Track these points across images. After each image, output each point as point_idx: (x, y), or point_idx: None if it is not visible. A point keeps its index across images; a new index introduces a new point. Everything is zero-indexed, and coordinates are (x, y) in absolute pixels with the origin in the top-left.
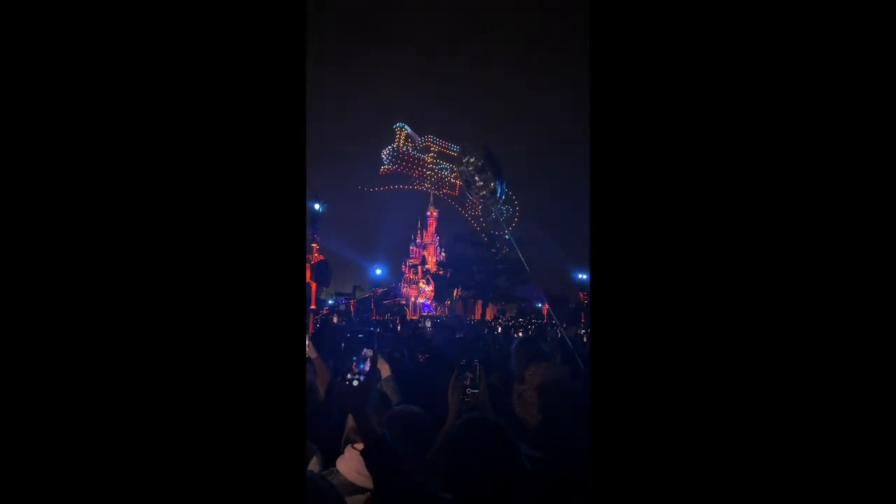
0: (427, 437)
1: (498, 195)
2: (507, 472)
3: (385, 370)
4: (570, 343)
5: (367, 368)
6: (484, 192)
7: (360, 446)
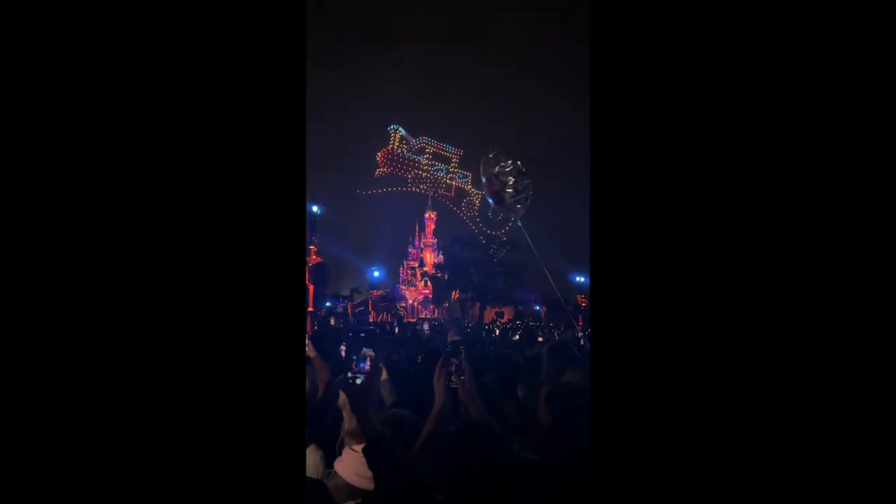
0: (416, 440)
1: (526, 202)
2: (500, 472)
3: (381, 372)
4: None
5: (368, 367)
6: (515, 198)
7: (359, 447)
